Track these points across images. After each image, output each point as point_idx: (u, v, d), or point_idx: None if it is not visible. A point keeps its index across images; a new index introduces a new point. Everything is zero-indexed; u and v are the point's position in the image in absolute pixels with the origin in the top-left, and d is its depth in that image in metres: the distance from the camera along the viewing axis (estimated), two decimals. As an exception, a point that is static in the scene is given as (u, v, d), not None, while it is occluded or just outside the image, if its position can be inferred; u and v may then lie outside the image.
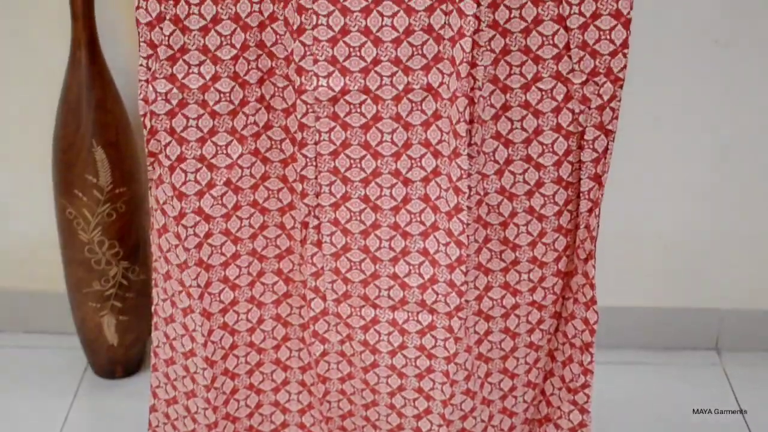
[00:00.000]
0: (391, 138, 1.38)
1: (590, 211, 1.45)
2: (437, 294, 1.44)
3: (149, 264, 1.70)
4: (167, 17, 1.33)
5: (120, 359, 1.79)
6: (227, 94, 1.38)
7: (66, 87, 1.60)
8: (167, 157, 1.39)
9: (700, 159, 1.77)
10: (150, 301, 1.64)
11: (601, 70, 1.38)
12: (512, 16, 1.35)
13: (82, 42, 1.56)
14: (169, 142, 1.38)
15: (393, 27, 1.33)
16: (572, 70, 1.38)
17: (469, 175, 1.37)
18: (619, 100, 1.40)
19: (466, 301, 1.45)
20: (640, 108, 1.67)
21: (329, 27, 1.33)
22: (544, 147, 1.42)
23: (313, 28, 1.33)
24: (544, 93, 1.40)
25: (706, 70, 1.70)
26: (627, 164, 1.69)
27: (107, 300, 1.70)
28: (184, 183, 1.41)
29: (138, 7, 1.33)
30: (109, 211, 1.62)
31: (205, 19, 1.34)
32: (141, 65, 1.36)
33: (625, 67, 1.38)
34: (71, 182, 1.61)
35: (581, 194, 1.45)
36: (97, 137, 1.59)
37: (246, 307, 1.51)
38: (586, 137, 1.41)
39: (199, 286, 1.46)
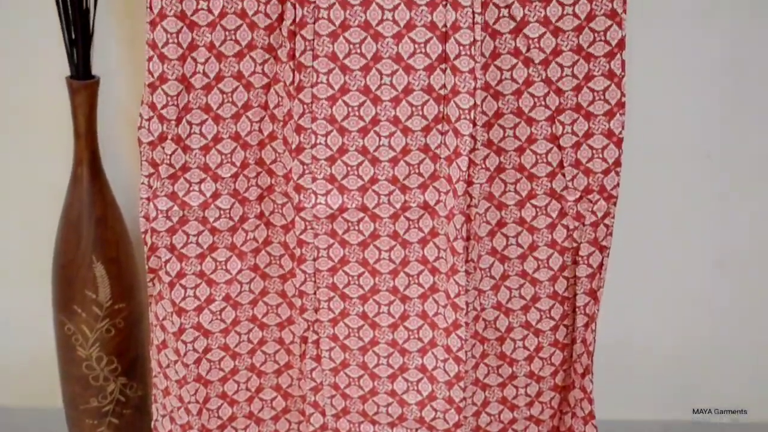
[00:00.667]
0: (389, 255, 1.40)
1: (586, 326, 1.46)
2: (436, 411, 1.44)
3: (147, 380, 1.69)
4: (169, 137, 1.35)
5: (116, 477, 1.77)
6: (227, 211, 1.40)
7: (67, 203, 1.61)
8: (167, 273, 1.40)
9: (697, 270, 1.78)
10: (147, 417, 1.64)
11: (594, 188, 1.40)
12: (506, 135, 1.38)
13: (84, 159, 1.58)
14: (169, 259, 1.40)
15: (390, 146, 1.35)
16: (566, 188, 1.41)
17: (466, 291, 1.38)
18: (613, 217, 1.42)
19: (465, 417, 1.45)
20: (635, 220, 1.68)
21: (327, 146, 1.35)
22: (540, 263, 1.44)
23: (311, 147, 1.35)
24: (538, 210, 1.42)
25: (699, 183, 1.72)
26: (623, 276, 1.69)
27: (104, 416, 1.69)
28: (184, 299, 1.42)
29: (140, 127, 1.35)
30: (108, 327, 1.62)
31: (206, 138, 1.37)
32: (143, 183, 1.38)
33: (617, 184, 1.40)
34: (71, 298, 1.61)
35: (577, 309, 1.46)
36: (98, 253, 1.60)
37: (244, 423, 1.50)
38: (580, 253, 1.43)
39: (197, 402, 1.46)
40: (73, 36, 1.51)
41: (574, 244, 1.43)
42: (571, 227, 1.42)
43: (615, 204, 1.42)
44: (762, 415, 1.88)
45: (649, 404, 1.88)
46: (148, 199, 1.38)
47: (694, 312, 1.81)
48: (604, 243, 1.43)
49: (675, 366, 1.85)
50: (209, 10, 1.32)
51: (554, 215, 1.42)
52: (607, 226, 1.42)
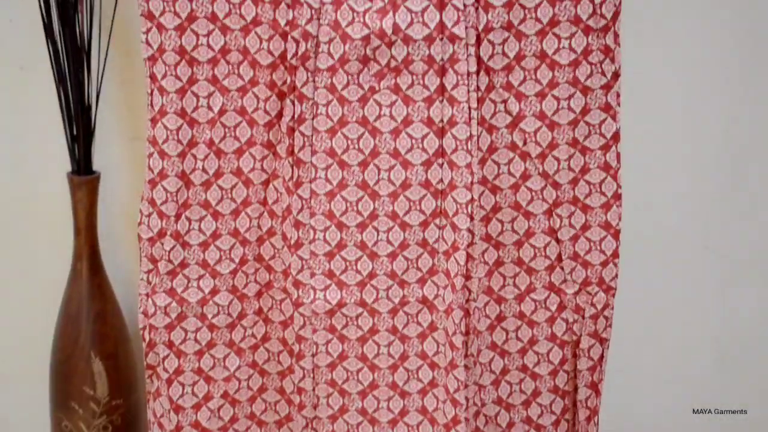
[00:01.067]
0: (388, 350, 1.39)
1: (588, 419, 1.45)
2: (436, 508, 1.42)
3: (144, 477, 1.67)
4: (168, 233, 1.36)
5: None
6: (225, 307, 1.40)
7: (66, 298, 1.61)
8: (165, 370, 1.40)
9: (698, 360, 1.77)
10: None
11: (593, 280, 1.40)
12: (504, 229, 1.38)
13: (84, 254, 1.58)
14: (167, 355, 1.39)
15: (388, 241, 1.36)
16: (565, 281, 1.41)
17: (466, 386, 1.38)
18: (612, 309, 1.42)
19: None
20: (634, 312, 1.68)
21: (326, 241, 1.36)
22: (540, 356, 1.43)
23: (310, 243, 1.36)
24: (537, 303, 1.42)
25: (697, 274, 1.72)
26: (624, 365, 1.69)
27: None
28: (182, 396, 1.41)
29: (140, 223, 1.36)
30: (105, 423, 1.61)
31: (205, 234, 1.37)
32: (142, 279, 1.38)
33: (616, 276, 1.40)
34: (68, 394, 1.60)
35: (578, 402, 1.45)
36: (96, 349, 1.59)
37: None
38: (581, 346, 1.42)
39: (195, 502, 1.44)
40: (75, 132, 1.52)
41: (574, 337, 1.43)
42: (571, 320, 1.42)
43: (614, 296, 1.42)
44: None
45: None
46: (147, 295, 1.39)
47: (696, 393, 1.80)
48: (604, 335, 1.43)
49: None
50: (209, 107, 1.34)
51: (553, 308, 1.42)
52: (606, 318, 1.42)
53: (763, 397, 1.80)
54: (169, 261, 1.37)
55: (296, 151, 1.33)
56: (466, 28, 1.29)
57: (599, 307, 1.41)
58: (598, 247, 1.39)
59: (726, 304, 1.75)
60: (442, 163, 1.33)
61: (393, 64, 1.31)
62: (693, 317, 1.75)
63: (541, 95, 1.34)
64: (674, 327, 1.75)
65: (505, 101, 1.34)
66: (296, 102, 1.32)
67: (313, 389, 1.40)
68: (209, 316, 1.40)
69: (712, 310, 1.75)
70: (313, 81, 1.31)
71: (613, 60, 1.33)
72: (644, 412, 1.80)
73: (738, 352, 1.77)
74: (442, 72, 1.31)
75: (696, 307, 1.75)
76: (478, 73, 1.32)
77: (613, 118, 1.35)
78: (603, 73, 1.34)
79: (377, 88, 1.32)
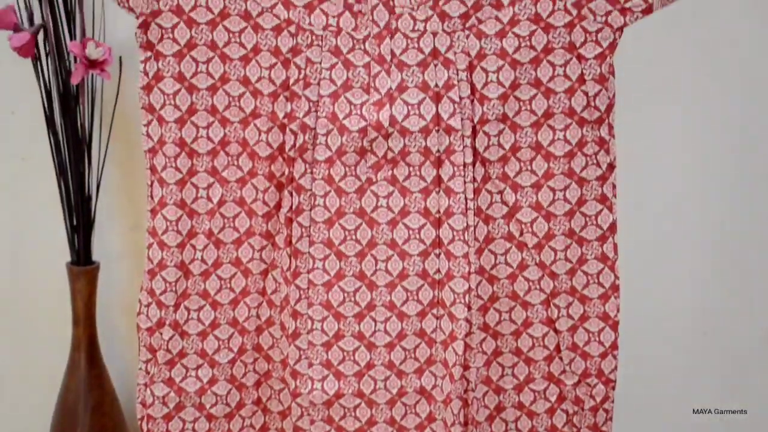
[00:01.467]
0: (386, 442, 1.39)
1: None
2: None
3: None
4: (167, 323, 1.36)
5: None
6: (224, 397, 1.40)
7: (64, 389, 1.60)
8: (162, 460, 1.39)
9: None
10: None
11: (592, 372, 1.40)
12: (502, 318, 1.38)
13: (82, 345, 1.58)
14: (165, 446, 1.39)
15: (386, 332, 1.36)
16: (564, 371, 1.40)
17: (465, 479, 1.36)
18: (612, 401, 1.41)
19: None
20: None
21: (323, 332, 1.36)
22: (540, 451, 1.43)
23: (308, 333, 1.36)
24: (536, 394, 1.41)
25: (694, 358, 1.73)
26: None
27: None
28: (179, 486, 1.40)
29: (139, 313, 1.36)
30: None
31: (203, 324, 1.38)
32: (140, 369, 1.38)
33: (615, 368, 1.40)
34: (64, 487, 1.59)
35: (579, 496, 1.43)
36: (93, 440, 1.58)
37: None
38: (581, 437, 1.42)
39: None
40: (75, 222, 1.53)
41: (575, 429, 1.42)
42: (571, 412, 1.42)
43: (614, 388, 1.41)
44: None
45: None
46: (145, 384, 1.39)
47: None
48: (604, 428, 1.42)
49: None
50: (209, 198, 1.35)
51: (553, 399, 1.41)
52: (606, 410, 1.41)
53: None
54: (168, 351, 1.37)
55: (294, 241, 1.34)
56: (462, 120, 1.31)
57: (598, 399, 1.41)
58: (597, 339, 1.39)
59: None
60: (439, 254, 1.34)
61: (390, 155, 1.33)
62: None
63: (536, 186, 1.35)
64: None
65: (501, 192, 1.35)
66: (294, 193, 1.33)
67: (310, 481, 1.39)
68: (207, 406, 1.39)
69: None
70: (311, 172, 1.33)
71: (608, 152, 1.35)
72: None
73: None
74: (438, 163, 1.33)
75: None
76: (474, 164, 1.33)
77: (610, 209, 1.36)
78: (598, 165, 1.35)
79: (374, 180, 1.34)
